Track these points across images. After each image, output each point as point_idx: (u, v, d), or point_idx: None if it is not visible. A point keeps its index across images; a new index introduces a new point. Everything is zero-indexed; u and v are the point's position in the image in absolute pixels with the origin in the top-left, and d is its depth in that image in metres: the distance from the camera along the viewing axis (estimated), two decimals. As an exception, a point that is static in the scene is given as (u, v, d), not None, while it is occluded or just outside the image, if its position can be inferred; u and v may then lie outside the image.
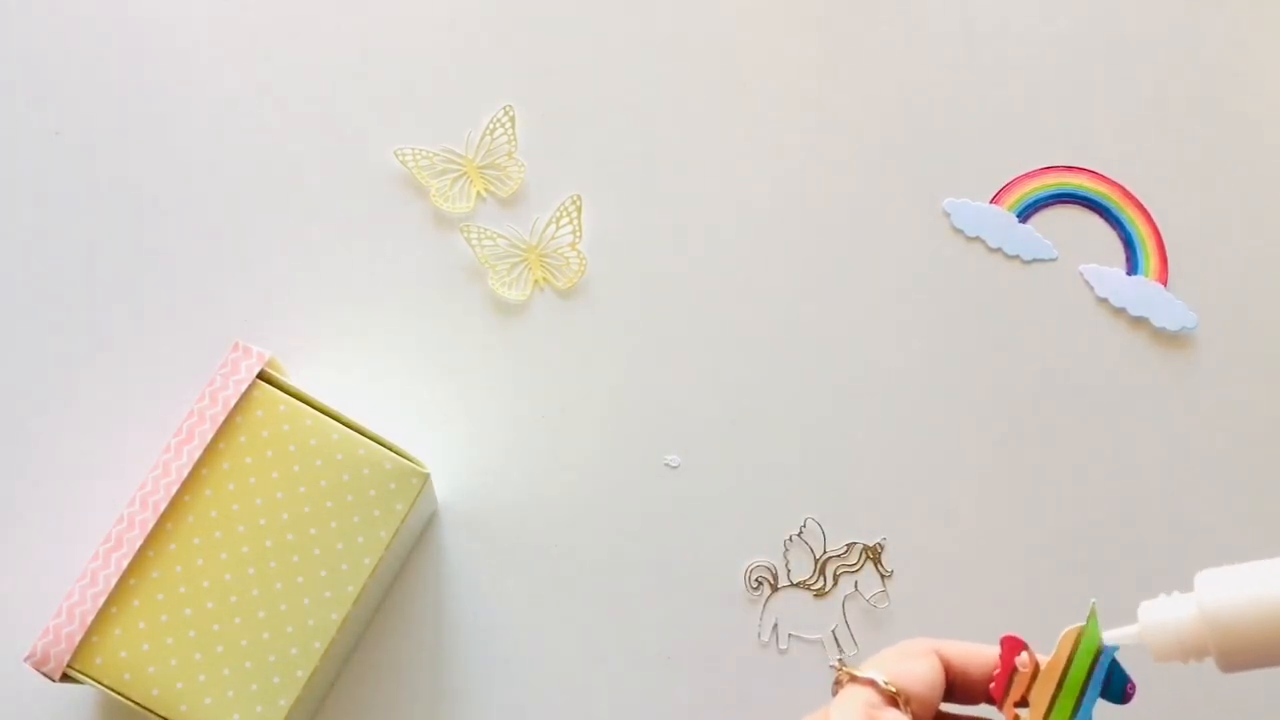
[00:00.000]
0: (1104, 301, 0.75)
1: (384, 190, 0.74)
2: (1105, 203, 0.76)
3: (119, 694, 0.61)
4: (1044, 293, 0.75)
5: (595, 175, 0.75)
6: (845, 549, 0.71)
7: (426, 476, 0.64)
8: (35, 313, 0.72)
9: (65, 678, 0.61)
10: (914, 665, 0.44)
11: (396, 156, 0.74)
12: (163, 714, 0.61)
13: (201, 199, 0.74)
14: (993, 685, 0.44)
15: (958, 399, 0.73)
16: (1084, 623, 0.44)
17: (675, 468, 0.72)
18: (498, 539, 0.71)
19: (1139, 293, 0.74)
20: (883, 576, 0.71)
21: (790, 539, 0.72)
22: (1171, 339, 0.74)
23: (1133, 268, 0.75)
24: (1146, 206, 0.76)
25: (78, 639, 0.60)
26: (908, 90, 0.77)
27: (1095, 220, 0.76)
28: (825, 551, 0.71)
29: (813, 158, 0.76)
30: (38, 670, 0.60)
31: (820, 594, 0.71)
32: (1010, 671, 0.44)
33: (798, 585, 0.71)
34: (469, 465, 0.72)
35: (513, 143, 0.75)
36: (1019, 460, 0.73)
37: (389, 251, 0.74)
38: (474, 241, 0.73)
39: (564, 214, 0.74)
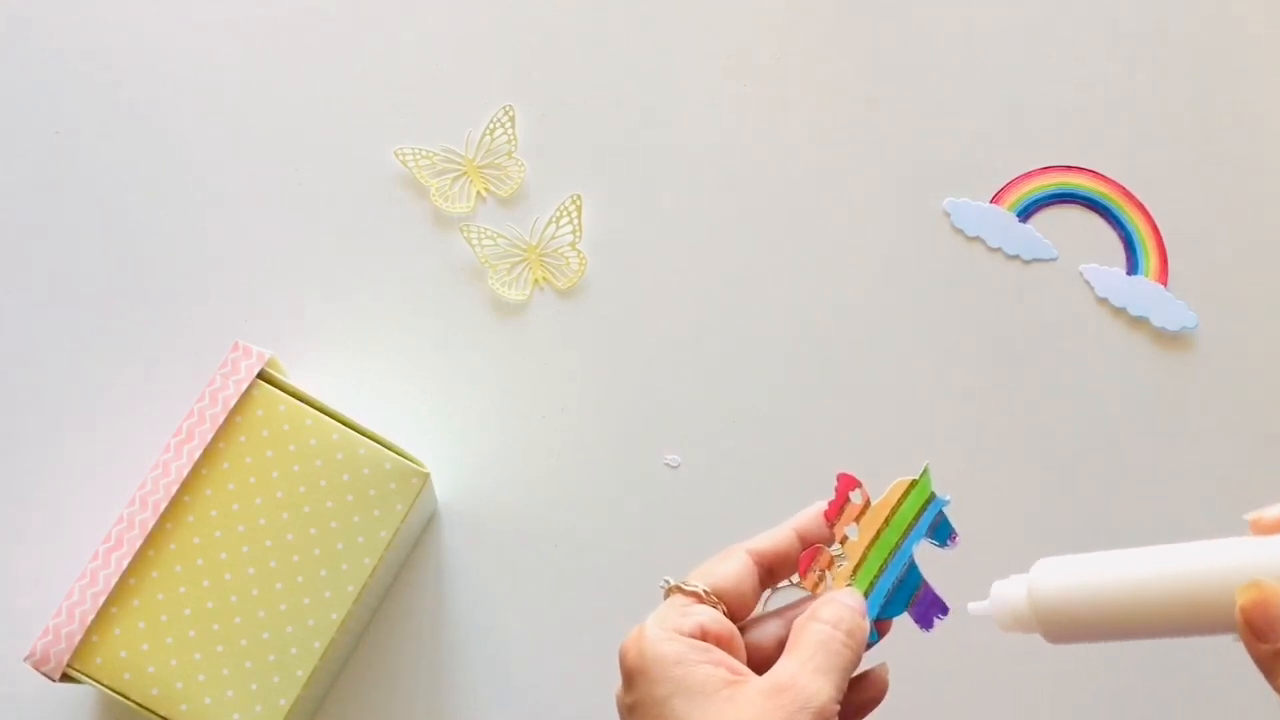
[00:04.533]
0: (1104, 301, 0.75)
1: (384, 190, 0.74)
2: (1105, 203, 0.76)
3: (119, 694, 0.61)
4: (1044, 293, 0.75)
5: (595, 175, 0.75)
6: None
7: (426, 476, 0.64)
8: (35, 313, 0.72)
9: (65, 678, 0.61)
10: (723, 566, 0.49)
11: (396, 156, 0.74)
12: (163, 714, 0.61)
13: (201, 199, 0.74)
14: (826, 510, 0.49)
15: (958, 398, 0.73)
16: (916, 476, 0.49)
17: (675, 468, 0.72)
18: (498, 539, 0.71)
19: (1139, 293, 0.74)
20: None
21: (790, 539, 0.72)
22: (1171, 339, 0.74)
23: (1133, 268, 0.75)
24: (1146, 206, 0.76)
25: (78, 639, 0.60)
26: (908, 90, 0.77)
27: (1095, 220, 0.76)
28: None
29: (813, 157, 0.76)
30: (38, 670, 0.60)
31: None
32: (843, 503, 0.49)
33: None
34: (469, 465, 0.72)
35: (513, 142, 0.75)
36: (1019, 459, 0.73)
37: (389, 251, 0.74)
38: (474, 241, 0.73)
39: (564, 214, 0.74)
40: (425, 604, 0.71)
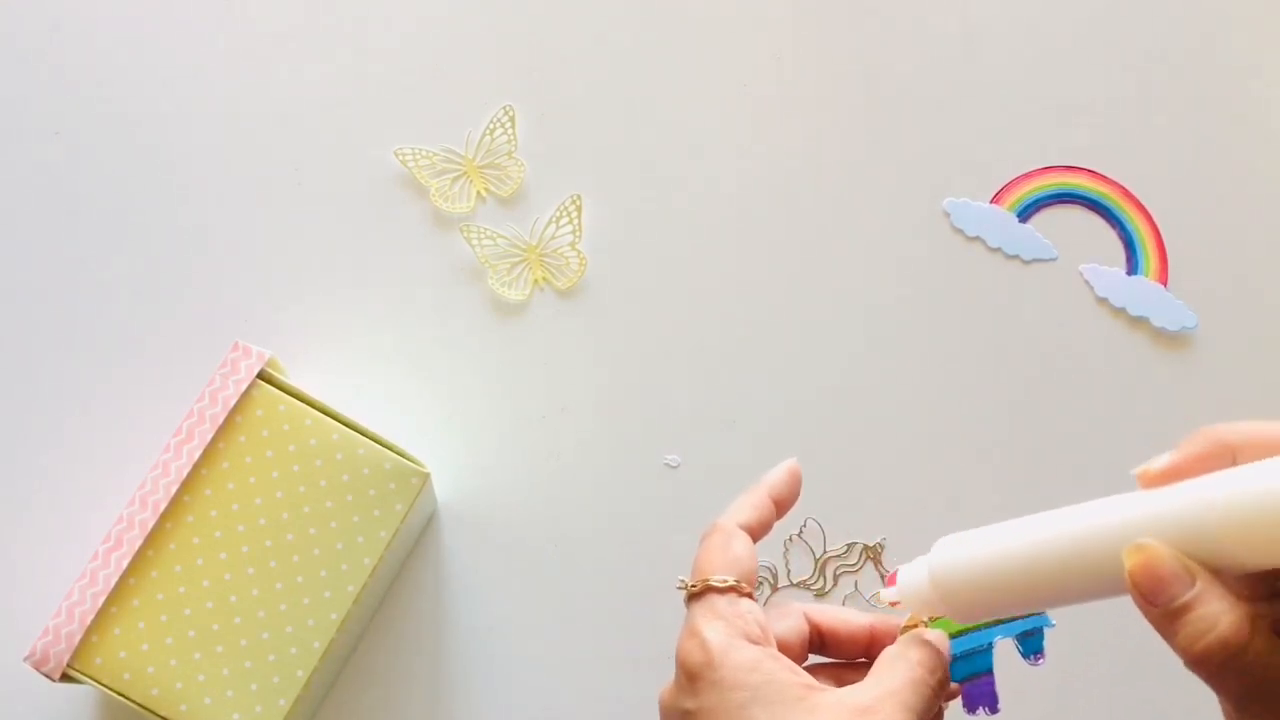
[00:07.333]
0: (1104, 301, 0.75)
1: (384, 190, 0.74)
2: (1105, 203, 0.76)
3: (119, 694, 0.61)
4: (1044, 293, 0.75)
5: (595, 175, 0.75)
6: (845, 549, 0.71)
7: (426, 476, 0.64)
8: (34, 313, 0.72)
9: (65, 678, 0.61)
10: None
11: (396, 156, 0.74)
12: (163, 714, 0.61)
13: (202, 199, 0.74)
14: None
15: (957, 399, 0.73)
16: None
17: (675, 468, 0.72)
18: (498, 539, 0.71)
19: (1139, 293, 0.74)
20: (883, 576, 0.71)
21: (790, 539, 0.72)
22: (1171, 339, 0.74)
23: (1133, 268, 0.75)
24: (1146, 206, 0.76)
25: (78, 639, 0.60)
26: (908, 90, 0.77)
27: (1095, 220, 0.76)
28: (825, 551, 0.71)
29: (813, 157, 0.76)
30: (38, 670, 0.60)
31: (820, 594, 0.71)
32: None
33: (798, 585, 0.71)
34: (469, 465, 0.72)
35: (513, 143, 0.75)
36: (1018, 460, 0.73)
37: (389, 252, 0.74)
38: (474, 241, 0.73)
39: (564, 214, 0.74)
40: (425, 604, 0.71)
